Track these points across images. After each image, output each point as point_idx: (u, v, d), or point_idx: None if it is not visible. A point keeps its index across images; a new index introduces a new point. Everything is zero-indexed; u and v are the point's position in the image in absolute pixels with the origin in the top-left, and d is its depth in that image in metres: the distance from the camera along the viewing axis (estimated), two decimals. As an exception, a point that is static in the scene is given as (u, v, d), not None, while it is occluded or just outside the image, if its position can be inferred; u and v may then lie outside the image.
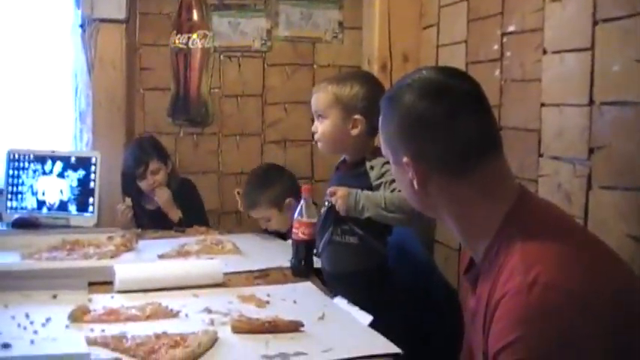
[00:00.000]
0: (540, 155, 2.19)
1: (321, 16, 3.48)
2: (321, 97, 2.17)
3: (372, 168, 2.10)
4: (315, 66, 3.50)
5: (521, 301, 1.14)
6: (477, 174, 1.30)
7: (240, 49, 3.44)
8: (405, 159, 1.33)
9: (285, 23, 3.46)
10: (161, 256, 2.39)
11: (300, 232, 2.16)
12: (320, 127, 2.17)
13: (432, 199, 1.34)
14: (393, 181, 1.99)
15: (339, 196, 2.06)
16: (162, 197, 2.97)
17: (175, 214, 3.00)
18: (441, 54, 2.85)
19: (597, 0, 1.89)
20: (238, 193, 2.97)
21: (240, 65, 3.45)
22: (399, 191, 1.97)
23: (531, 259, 1.18)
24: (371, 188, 2.08)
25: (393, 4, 2.99)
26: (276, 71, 3.47)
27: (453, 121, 1.29)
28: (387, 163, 2.00)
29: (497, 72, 2.43)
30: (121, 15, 3.22)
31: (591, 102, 1.95)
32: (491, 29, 2.45)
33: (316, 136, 2.21)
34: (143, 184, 3.00)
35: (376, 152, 2.07)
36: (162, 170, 3.03)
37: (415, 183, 1.33)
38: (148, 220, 3.02)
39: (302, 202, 2.25)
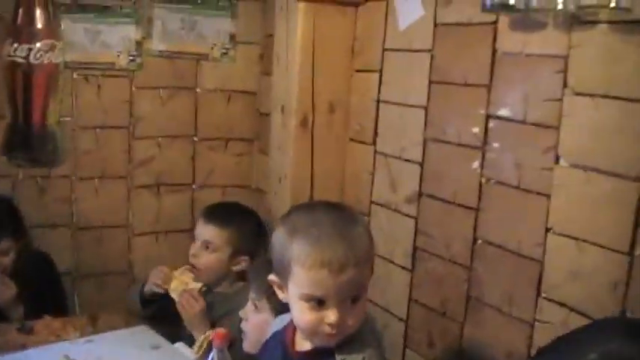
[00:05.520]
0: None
1: (208, 25, 2.70)
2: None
3: None
4: (198, 90, 2.75)
5: None
6: None
7: (100, 65, 2.60)
8: None
9: (160, 34, 2.66)
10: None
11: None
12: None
13: None
14: None
15: None
16: (5, 295, 2.20)
17: (18, 313, 2.22)
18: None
19: None
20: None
21: (100, 87, 2.62)
22: None
23: None
24: None
25: (320, 35, 2.27)
26: (149, 96, 2.69)
27: None
28: None
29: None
30: None
31: None
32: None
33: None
34: None
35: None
36: (13, 251, 2.30)
37: None
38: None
39: (214, 351, 1.58)
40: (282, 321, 1.56)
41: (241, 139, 2.82)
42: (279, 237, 1.39)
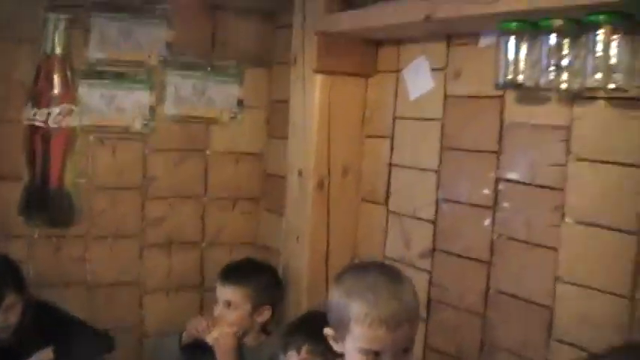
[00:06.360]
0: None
1: (217, 91, 2.89)
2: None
3: None
4: (208, 152, 2.91)
5: None
6: None
7: (115, 129, 2.75)
8: None
9: (173, 99, 2.83)
10: None
11: None
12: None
13: None
14: None
15: None
16: None
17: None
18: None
19: None
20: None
21: (115, 149, 2.76)
22: None
23: None
24: None
25: (334, 104, 2.47)
26: (161, 158, 2.84)
27: None
28: None
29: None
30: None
31: None
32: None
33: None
34: None
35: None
36: (19, 305, 2.32)
37: None
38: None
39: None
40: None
41: (248, 199, 2.98)
42: (336, 298, 1.58)
